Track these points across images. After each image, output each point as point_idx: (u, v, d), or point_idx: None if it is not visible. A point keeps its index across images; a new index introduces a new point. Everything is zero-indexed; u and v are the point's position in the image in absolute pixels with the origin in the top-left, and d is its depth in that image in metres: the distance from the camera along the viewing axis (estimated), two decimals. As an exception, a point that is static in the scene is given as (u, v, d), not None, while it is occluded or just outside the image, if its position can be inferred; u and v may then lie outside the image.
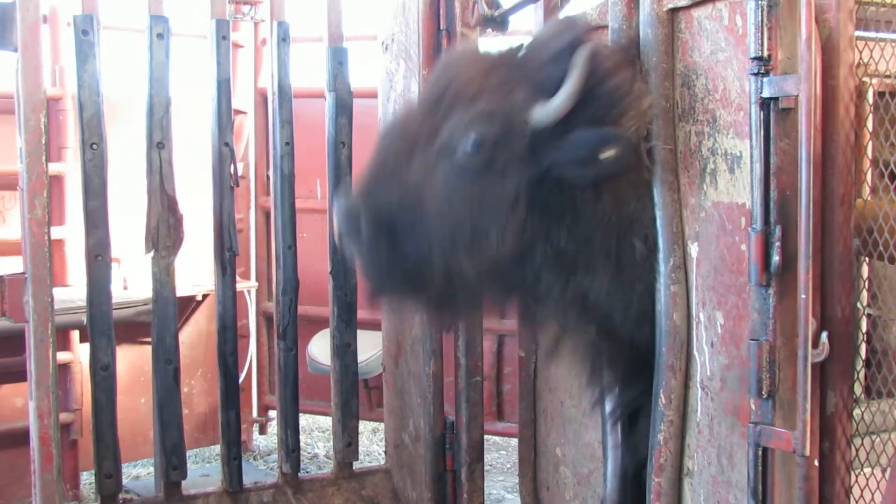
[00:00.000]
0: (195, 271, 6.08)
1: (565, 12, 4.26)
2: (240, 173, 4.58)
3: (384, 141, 3.13)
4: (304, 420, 6.80)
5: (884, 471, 2.86)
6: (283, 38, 4.50)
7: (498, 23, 4.01)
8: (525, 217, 3.00)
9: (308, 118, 5.45)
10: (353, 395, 4.68)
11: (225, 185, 4.45)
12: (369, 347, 5.86)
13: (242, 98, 6.83)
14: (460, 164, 2.94)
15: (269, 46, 4.56)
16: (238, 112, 6.48)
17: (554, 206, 3.02)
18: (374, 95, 4.77)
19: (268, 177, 6.81)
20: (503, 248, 3.00)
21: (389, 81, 4.44)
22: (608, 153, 2.88)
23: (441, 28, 4.10)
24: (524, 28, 4.83)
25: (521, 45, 3.09)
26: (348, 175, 4.54)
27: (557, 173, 2.97)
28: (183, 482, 4.40)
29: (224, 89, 4.42)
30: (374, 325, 5.51)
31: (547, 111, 2.91)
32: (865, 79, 3.01)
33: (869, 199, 2.98)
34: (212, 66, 4.41)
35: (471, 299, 3.28)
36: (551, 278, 3.18)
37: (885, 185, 2.93)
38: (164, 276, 4.28)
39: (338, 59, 4.51)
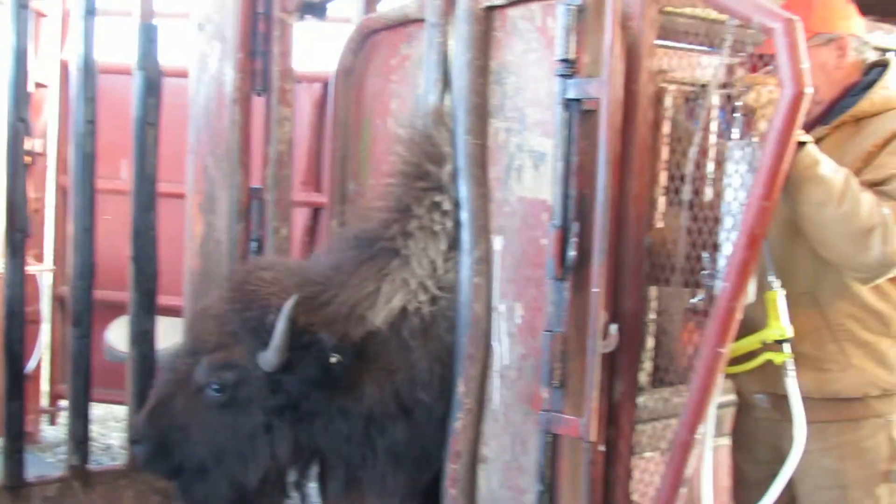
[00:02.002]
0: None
1: (384, 3, 4.32)
2: (38, 150, 4.37)
3: (162, 376, 3.56)
4: (100, 410, 6.55)
5: (663, 455, 3.02)
6: (90, 11, 4.33)
7: (317, 9, 4.01)
8: (289, 432, 3.35)
9: (115, 95, 5.24)
10: (150, 385, 4.54)
11: (18, 162, 4.23)
12: (171, 335, 5.70)
13: (45, 70, 6.50)
14: (210, 400, 3.35)
15: (74, 18, 4.37)
16: (39, 85, 6.18)
17: (316, 412, 3.34)
18: (185, 75, 4.65)
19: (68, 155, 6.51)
20: (276, 463, 3.38)
21: (202, 63, 4.34)
22: (334, 360, 3.20)
23: (259, 11, 4.05)
24: (343, 15, 4.87)
25: (250, 286, 3.36)
26: (154, 156, 4.41)
27: (297, 392, 3.29)
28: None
29: (21, 61, 4.21)
30: (176, 312, 5.37)
31: (266, 361, 3.23)
32: (664, 85, 3.18)
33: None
34: (9, 35, 4.19)
35: (267, 495, 3.51)
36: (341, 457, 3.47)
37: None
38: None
39: (148, 36, 4.38)
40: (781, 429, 3.07)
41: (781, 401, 2.97)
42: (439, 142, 3.34)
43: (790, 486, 3.19)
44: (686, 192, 3.02)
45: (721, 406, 3.08)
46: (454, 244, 3.34)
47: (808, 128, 3.05)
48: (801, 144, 2.79)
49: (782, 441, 3.04)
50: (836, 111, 3.17)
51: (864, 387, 3.11)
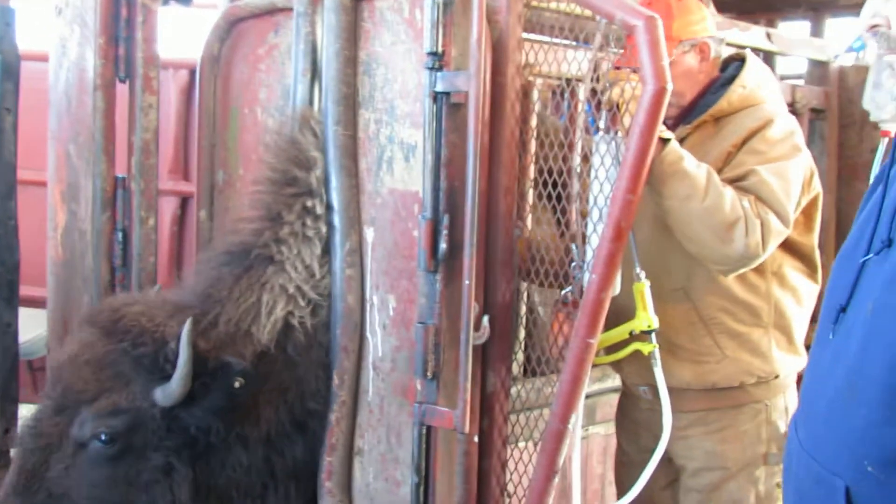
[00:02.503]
0: None
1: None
2: None
3: (23, 445, 3.14)
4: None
5: (536, 444, 3.07)
6: (-58, -9, 4.12)
7: (182, -5, 3.90)
8: (188, 472, 3.12)
9: (-30, 79, 5.01)
10: (13, 380, 4.37)
11: None
12: (36, 326, 5.50)
13: None
14: (98, 455, 3.05)
15: (-75, -3, 4.16)
16: None
17: (215, 445, 3.14)
18: (45, 59, 4.47)
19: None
20: None
21: (62, 47, 4.17)
22: (238, 385, 3.05)
23: (121, -5, 3.92)
24: (209, 1, 4.74)
25: (129, 322, 3.13)
26: (13, 143, 4.23)
27: (199, 424, 3.09)
28: None
29: None
30: (40, 303, 5.19)
31: (168, 394, 3.01)
32: (531, 78, 3.21)
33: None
34: None
35: None
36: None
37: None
38: None
39: (4, 19, 4.18)
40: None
41: None
42: (306, 146, 3.27)
43: (674, 468, 3.32)
44: (554, 185, 3.06)
45: (592, 395, 3.17)
46: (329, 248, 3.28)
47: (672, 127, 3.14)
48: (665, 141, 2.87)
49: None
50: (697, 110, 3.27)
51: (740, 376, 3.24)
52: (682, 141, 3.10)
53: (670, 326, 3.15)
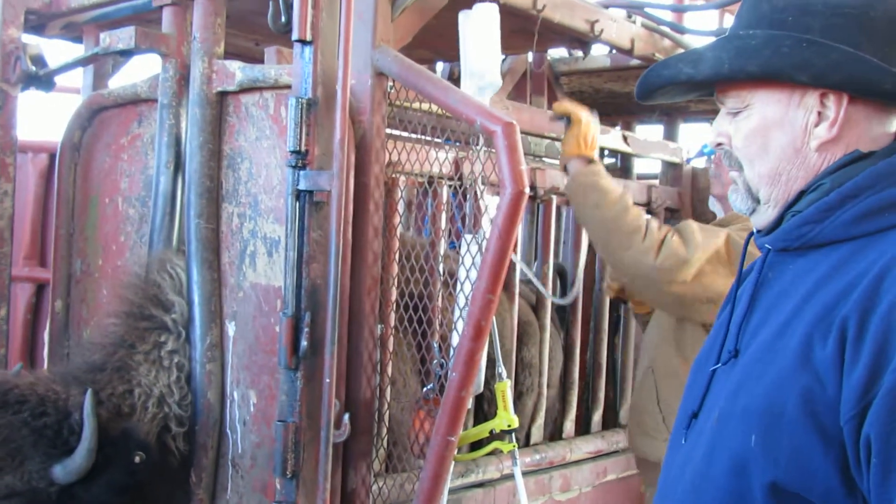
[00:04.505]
0: None
1: (115, 78, 4.19)
2: None
3: None
4: None
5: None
6: None
7: (43, 82, 3.82)
8: None
9: None
10: None
11: None
12: None
13: None
14: None
15: None
16: None
17: None
18: None
19: None
20: None
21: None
22: (138, 459, 2.96)
23: (-23, 80, 3.82)
24: (73, 85, 4.67)
25: (2, 410, 2.93)
26: None
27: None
28: None
29: None
30: None
31: (70, 470, 2.85)
32: (396, 175, 3.26)
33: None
34: None
35: None
36: None
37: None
38: None
39: None
40: None
41: None
42: (165, 289, 3.23)
43: None
44: (410, 281, 3.10)
45: (455, 490, 3.17)
46: (188, 378, 3.22)
47: None
48: (591, 161, 3.31)
49: None
50: None
51: None
52: None
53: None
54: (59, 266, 3.89)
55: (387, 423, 3.19)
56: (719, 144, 1.90)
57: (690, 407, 2.01)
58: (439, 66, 4.99)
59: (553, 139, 4.06)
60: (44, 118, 5.63)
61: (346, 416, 2.91)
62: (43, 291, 5.63)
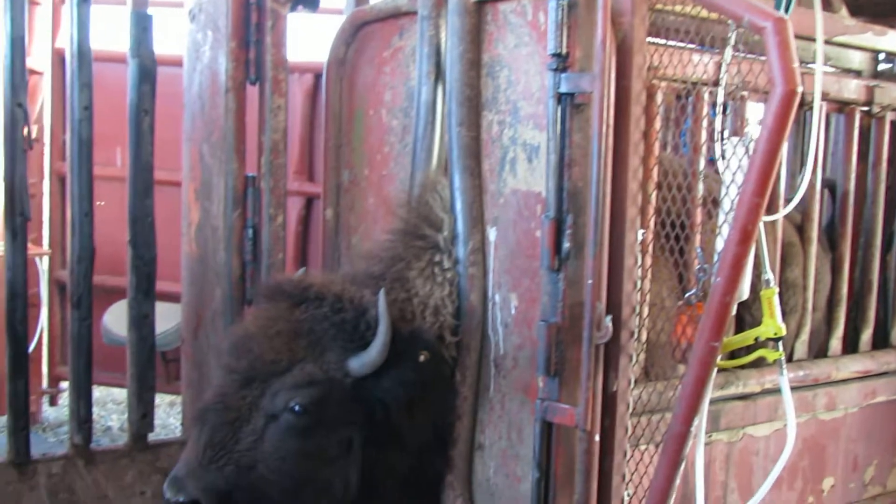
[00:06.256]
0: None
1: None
2: (33, 136, 4.37)
3: (206, 418, 3.15)
4: (98, 392, 6.59)
5: (657, 447, 3.07)
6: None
7: (310, 1, 4.00)
8: (361, 452, 3.16)
9: (110, 82, 5.26)
10: (150, 367, 4.58)
11: (18, 147, 4.24)
12: (168, 319, 5.73)
13: (38, 58, 6.51)
14: (289, 427, 3.06)
15: (69, 6, 4.37)
16: (33, 72, 6.17)
17: (385, 427, 3.15)
18: (179, 64, 4.66)
19: (64, 141, 6.51)
20: (347, 489, 3.16)
21: (196, 52, 4.35)
22: (423, 358, 3.10)
23: (251, 2, 4.05)
24: (335, 6, 4.85)
25: (315, 295, 3.18)
26: (150, 143, 4.43)
27: (385, 397, 3.12)
28: (-37, 455, 4.21)
29: (18, 47, 4.20)
30: (173, 298, 5.40)
31: (365, 362, 3.05)
32: (655, 81, 3.20)
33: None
34: (4, 22, 4.19)
35: None
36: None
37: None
38: (-52, 240, 4.07)
39: (142, 24, 4.36)
40: None
41: None
42: (435, 208, 3.37)
43: None
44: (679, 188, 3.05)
45: (716, 401, 3.13)
46: (458, 294, 3.35)
47: None
48: None
49: None
50: None
51: None
52: None
53: None
54: (328, 177, 4.12)
55: (647, 328, 3.18)
56: None
57: None
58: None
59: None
60: (307, 41, 5.89)
61: (608, 319, 2.92)
62: (312, 204, 5.99)
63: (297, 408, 3.03)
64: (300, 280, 3.28)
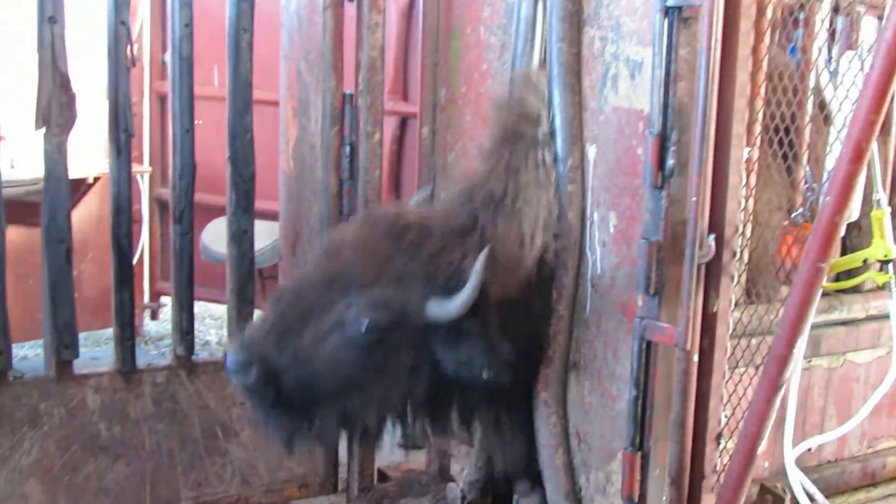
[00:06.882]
0: (85, 154, 5.91)
1: None
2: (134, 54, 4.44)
3: (281, 302, 3.21)
4: (197, 307, 6.75)
5: (757, 370, 3.03)
6: (185, -84, 4.35)
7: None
8: (430, 375, 3.18)
9: (207, 2, 5.30)
10: (249, 282, 4.68)
11: (121, 64, 4.32)
12: (265, 237, 5.84)
13: (138, -23, 6.60)
14: (352, 339, 3.09)
15: (169, -77, 4.42)
16: (133, -9, 6.25)
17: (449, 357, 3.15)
18: (277, -18, 4.68)
19: (163, 61, 6.61)
20: (411, 404, 3.24)
21: (294, -32, 4.37)
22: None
23: (346, -82, 4.04)
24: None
25: (414, 227, 3.17)
26: (249, 61, 4.46)
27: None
28: (74, 363, 4.37)
29: (119, -35, 4.26)
30: (270, 216, 5.49)
31: (444, 311, 3.03)
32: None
33: None
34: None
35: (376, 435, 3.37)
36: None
37: None
38: (56, 155, 4.16)
39: (242, -58, 4.39)
40: None
41: None
42: (531, 101, 3.31)
43: None
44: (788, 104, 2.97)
45: (817, 327, 3.07)
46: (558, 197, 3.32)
47: None
48: None
49: None
50: None
51: None
52: None
53: None
54: (425, 95, 4.11)
55: (751, 248, 3.13)
56: None
57: None
58: None
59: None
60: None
61: (711, 238, 2.88)
62: (406, 124, 5.99)
63: (364, 325, 3.07)
64: (400, 213, 3.29)
